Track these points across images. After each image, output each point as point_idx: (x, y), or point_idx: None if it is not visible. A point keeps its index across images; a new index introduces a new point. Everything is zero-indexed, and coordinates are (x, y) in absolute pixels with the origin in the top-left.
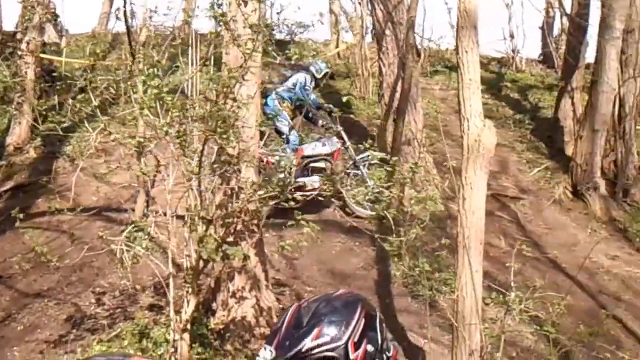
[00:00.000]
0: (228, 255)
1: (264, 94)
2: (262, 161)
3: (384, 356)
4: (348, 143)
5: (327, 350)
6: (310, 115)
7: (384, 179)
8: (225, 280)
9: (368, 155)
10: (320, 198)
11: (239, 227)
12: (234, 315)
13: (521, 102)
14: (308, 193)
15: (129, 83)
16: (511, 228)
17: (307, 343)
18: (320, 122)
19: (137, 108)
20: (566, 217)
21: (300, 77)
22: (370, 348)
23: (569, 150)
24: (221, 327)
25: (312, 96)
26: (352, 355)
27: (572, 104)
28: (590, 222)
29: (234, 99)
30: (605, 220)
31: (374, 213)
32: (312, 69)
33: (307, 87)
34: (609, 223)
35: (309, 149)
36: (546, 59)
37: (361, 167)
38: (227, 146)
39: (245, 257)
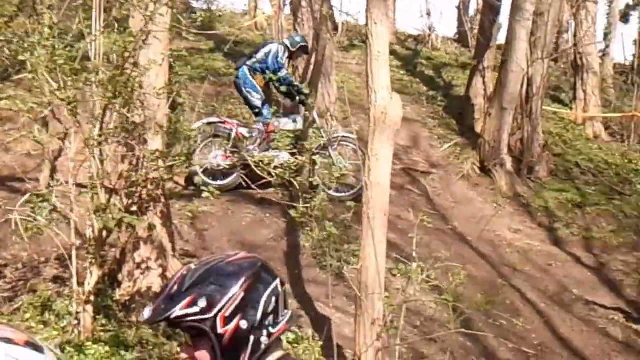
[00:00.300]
0: (132, 225)
1: (236, 66)
2: (232, 131)
3: (264, 332)
4: (318, 123)
5: (194, 322)
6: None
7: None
8: (131, 251)
9: (338, 137)
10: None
11: (144, 196)
12: (139, 286)
13: (435, 79)
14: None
15: (25, 45)
16: (420, 201)
17: (177, 311)
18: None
19: (29, 71)
20: (473, 191)
21: (272, 47)
22: (243, 324)
23: (478, 128)
24: (127, 298)
25: (284, 71)
26: (220, 330)
27: (484, 82)
28: (495, 197)
29: (135, 64)
30: (510, 195)
31: (341, 194)
32: (286, 41)
33: (279, 59)
34: (513, 198)
35: (279, 124)
36: (461, 38)
37: (330, 148)
38: (131, 113)
39: (151, 227)
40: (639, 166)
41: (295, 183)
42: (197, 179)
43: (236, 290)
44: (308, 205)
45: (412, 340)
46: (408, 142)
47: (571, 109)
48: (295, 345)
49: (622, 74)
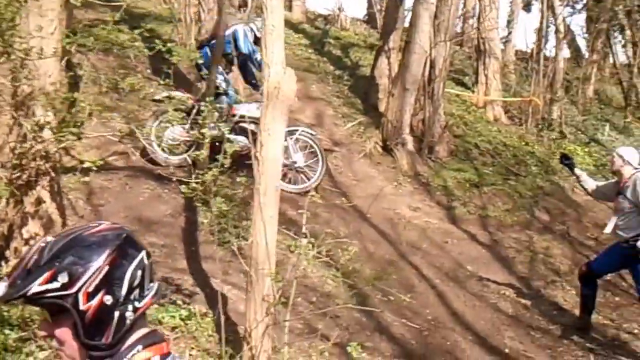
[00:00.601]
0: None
1: (199, 46)
2: (194, 107)
3: (129, 307)
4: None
5: (54, 298)
6: (253, 81)
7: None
8: (18, 227)
9: (297, 129)
10: None
11: (32, 170)
12: None
13: (342, 59)
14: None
15: None
16: (323, 179)
17: (35, 287)
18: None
19: None
20: (375, 170)
21: (239, 29)
22: (107, 299)
23: (382, 107)
24: None
25: (259, 55)
26: (82, 306)
27: (388, 63)
28: (396, 176)
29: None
30: (410, 174)
31: (304, 185)
32: (252, 25)
33: (251, 42)
34: (413, 177)
35: (242, 109)
36: (370, 19)
37: (289, 139)
38: (16, 82)
39: (39, 201)
40: (534, 149)
41: (189, 159)
42: (153, 154)
43: (100, 264)
44: (199, 180)
45: (302, 316)
46: (312, 120)
47: (473, 92)
48: (188, 321)
49: (523, 60)
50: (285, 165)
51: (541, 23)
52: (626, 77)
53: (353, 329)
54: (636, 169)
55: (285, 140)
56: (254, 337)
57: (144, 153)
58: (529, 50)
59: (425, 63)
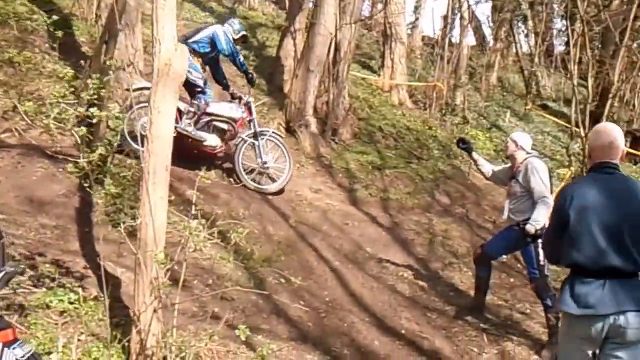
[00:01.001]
0: None
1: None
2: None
3: None
4: (254, 115)
5: None
6: (223, 80)
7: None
8: None
9: (269, 131)
10: None
11: None
12: None
13: (249, 39)
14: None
15: None
16: (222, 159)
17: None
18: (230, 89)
19: None
20: None
21: (217, 30)
22: None
23: (287, 89)
24: None
25: (240, 56)
26: None
27: (294, 44)
28: (299, 157)
29: None
30: (313, 156)
31: (268, 186)
32: (228, 27)
33: (232, 43)
34: (316, 159)
35: (216, 107)
36: (279, 0)
37: (260, 139)
38: None
39: None
40: (437, 133)
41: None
42: (125, 143)
43: None
44: (86, 160)
45: (195, 298)
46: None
47: (379, 75)
48: (77, 305)
49: (429, 46)
50: (255, 167)
51: (448, 10)
52: (527, 66)
53: (249, 312)
54: (529, 153)
55: (257, 140)
56: (142, 321)
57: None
58: (435, 36)
59: (330, 45)
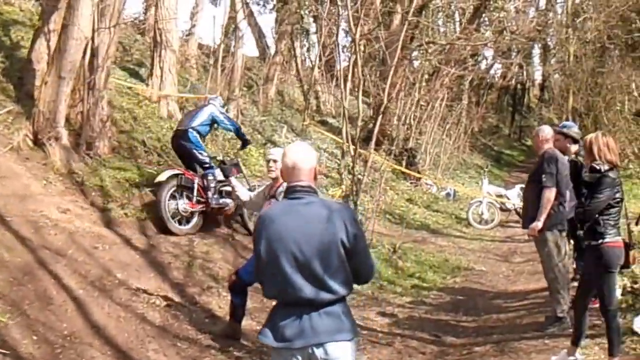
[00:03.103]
0: None
1: (182, 130)
2: (194, 182)
3: None
4: (244, 172)
5: None
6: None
7: None
8: None
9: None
10: None
11: None
12: None
13: (1, 37)
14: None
15: None
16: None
17: None
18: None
19: None
20: (23, 166)
21: (213, 110)
22: None
23: (37, 96)
24: None
25: (243, 128)
26: None
27: (48, 46)
28: (47, 174)
29: None
30: (63, 172)
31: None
32: (216, 103)
33: (219, 116)
34: (67, 175)
35: (218, 174)
36: None
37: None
38: None
39: None
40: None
41: None
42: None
43: None
44: None
45: None
46: None
47: (147, 85)
48: None
49: (207, 55)
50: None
51: (224, 19)
52: (308, 81)
53: None
54: None
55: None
56: None
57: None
58: (214, 46)
59: (85, 50)
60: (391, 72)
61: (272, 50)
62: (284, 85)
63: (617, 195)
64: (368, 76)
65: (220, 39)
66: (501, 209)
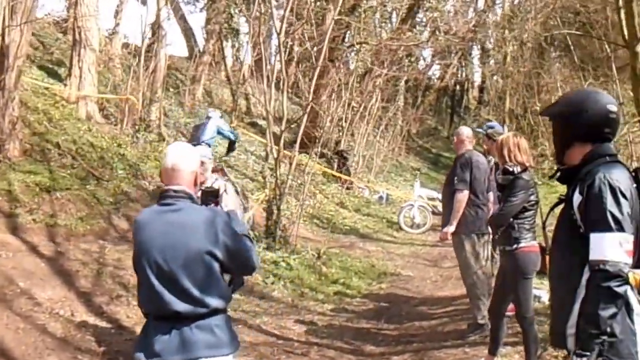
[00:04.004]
0: None
1: (196, 145)
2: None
3: None
4: (229, 176)
5: None
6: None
7: None
8: None
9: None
10: None
11: None
12: None
13: None
14: None
15: None
16: None
17: None
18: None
19: None
20: None
21: (219, 123)
22: None
23: None
24: None
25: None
26: None
27: None
28: None
29: None
30: None
31: None
32: (217, 116)
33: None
34: None
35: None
36: None
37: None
38: None
39: None
40: (126, 151)
41: None
42: None
43: None
44: None
45: None
46: None
47: (65, 85)
48: None
49: (134, 55)
50: None
51: (158, 18)
52: (237, 82)
53: None
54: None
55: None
56: None
57: None
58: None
59: None
60: (316, 72)
61: (201, 50)
62: (213, 86)
63: (532, 197)
64: (300, 77)
65: (143, 37)
66: (433, 213)
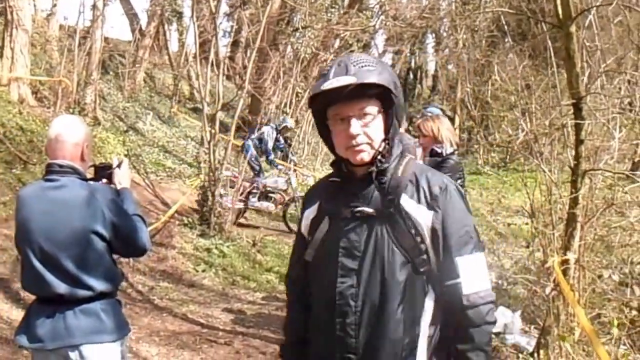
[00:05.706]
0: None
1: (245, 139)
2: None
3: None
4: (295, 185)
5: None
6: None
7: None
8: None
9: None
10: None
11: None
12: None
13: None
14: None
15: None
16: None
17: None
18: (278, 167)
19: None
20: None
21: (267, 130)
22: None
23: None
24: None
25: (272, 155)
26: None
27: None
28: None
29: None
30: None
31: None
32: (273, 126)
33: (268, 145)
34: None
35: (270, 182)
36: None
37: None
38: None
39: None
40: None
41: None
42: None
43: None
44: None
45: None
46: None
47: None
48: None
49: (72, 36)
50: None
51: None
52: (180, 66)
53: None
54: None
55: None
56: None
57: None
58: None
59: None
60: (253, 53)
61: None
62: (155, 70)
63: (459, 181)
64: (247, 61)
65: (78, 18)
66: None
